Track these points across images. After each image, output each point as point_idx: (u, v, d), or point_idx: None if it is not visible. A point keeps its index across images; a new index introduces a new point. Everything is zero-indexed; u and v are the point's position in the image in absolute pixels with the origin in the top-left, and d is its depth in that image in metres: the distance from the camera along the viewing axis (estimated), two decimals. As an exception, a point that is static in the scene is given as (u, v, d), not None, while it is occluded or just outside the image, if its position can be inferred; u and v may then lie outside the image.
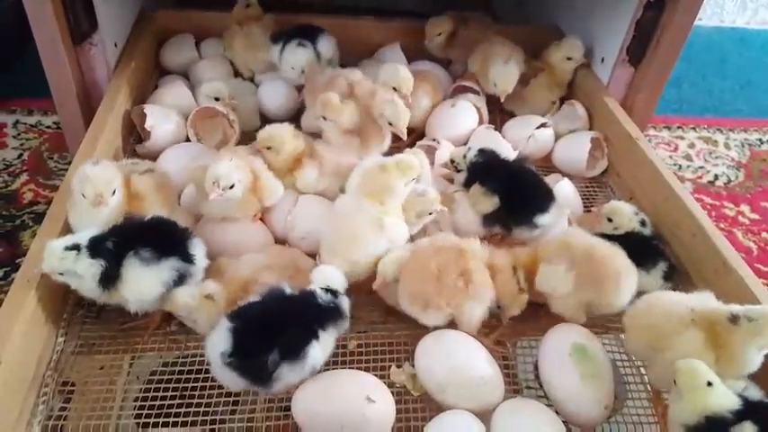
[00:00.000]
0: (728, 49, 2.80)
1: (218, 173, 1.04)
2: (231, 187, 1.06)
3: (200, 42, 1.62)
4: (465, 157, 1.22)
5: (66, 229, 1.00)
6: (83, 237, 0.92)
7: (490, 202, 1.15)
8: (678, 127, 2.24)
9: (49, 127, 1.82)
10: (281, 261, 1.05)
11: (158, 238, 0.95)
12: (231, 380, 0.86)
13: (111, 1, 1.36)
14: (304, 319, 0.89)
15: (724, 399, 0.81)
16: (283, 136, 1.19)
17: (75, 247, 0.89)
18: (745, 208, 1.89)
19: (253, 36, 1.52)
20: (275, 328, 0.87)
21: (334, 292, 0.94)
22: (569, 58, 1.55)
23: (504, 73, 1.46)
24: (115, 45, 1.39)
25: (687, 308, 0.92)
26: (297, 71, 1.46)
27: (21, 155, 1.71)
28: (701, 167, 2.05)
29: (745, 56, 2.76)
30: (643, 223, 1.19)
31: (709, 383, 0.82)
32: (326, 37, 1.52)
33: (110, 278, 0.91)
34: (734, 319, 0.88)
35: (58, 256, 0.88)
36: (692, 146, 2.15)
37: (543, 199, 1.16)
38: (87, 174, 0.97)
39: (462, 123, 1.46)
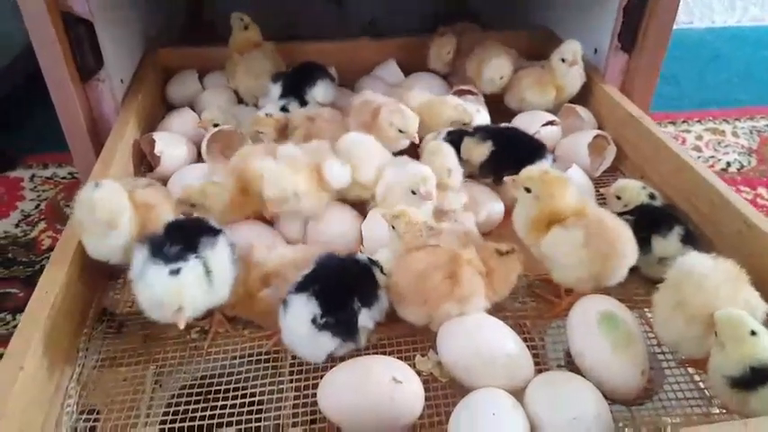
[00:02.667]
0: (722, 46, 2.84)
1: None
2: None
3: (204, 76, 1.67)
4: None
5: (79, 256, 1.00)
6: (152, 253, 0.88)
7: (484, 148, 1.17)
8: (683, 121, 2.24)
9: (64, 178, 1.87)
10: (305, 259, 1.03)
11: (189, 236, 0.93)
12: (322, 345, 0.90)
13: (116, 39, 1.41)
14: (365, 270, 0.96)
15: None
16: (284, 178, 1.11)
17: (176, 271, 0.86)
18: (762, 190, 1.87)
19: (254, 62, 1.55)
20: (347, 280, 0.94)
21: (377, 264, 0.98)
22: (563, 60, 1.52)
23: (497, 65, 1.50)
24: (121, 81, 1.43)
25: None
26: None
27: (38, 205, 1.75)
28: (712, 157, 2.04)
29: (740, 50, 2.79)
30: (652, 196, 1.18)
31: (753, 332, 0.78)
32: (324, 83, 1.49)
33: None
34: None
35: (176, 289, 0.85)
36: (699, 137, 2.15)
37: (538, 148, 1.19)
38: (94, 198, 0.93)
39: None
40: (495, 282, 0.98)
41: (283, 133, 1.35)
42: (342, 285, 0.93)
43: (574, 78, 1.53)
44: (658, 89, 1.55)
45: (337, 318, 0.89)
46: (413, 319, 0.98)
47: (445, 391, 0.92)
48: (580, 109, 1.51)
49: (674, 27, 1.45)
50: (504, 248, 0.99)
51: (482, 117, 1.47)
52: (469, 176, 1.27)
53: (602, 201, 1.27)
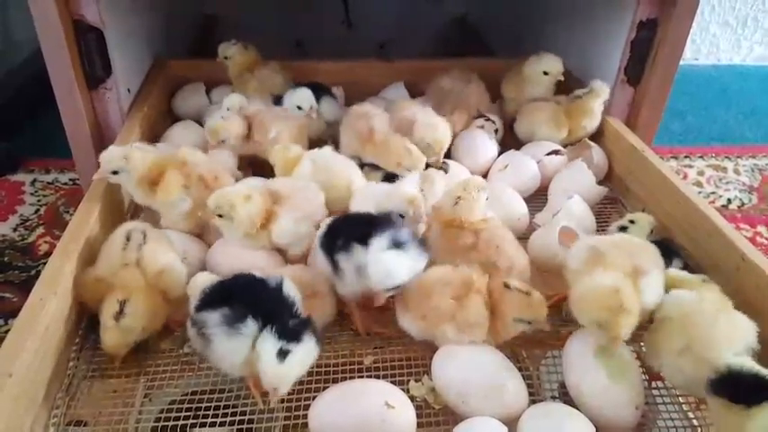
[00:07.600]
0: (729, 82, 2.85)
1: None
2: None
3: (211, 90, 1.68)
4: None
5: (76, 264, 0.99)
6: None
7: None
8: (685, 156, 2.24)
9: (65, 184, 1.86)
10: (302, 280, 1.02)
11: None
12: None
13: (125, 48, 1.42)
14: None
15: None
16: (232, 200, 1.06)
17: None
18: (762, 229, 1.87)
19: (266, 77, 1.58)
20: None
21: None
22: (546, 73, 1.55)
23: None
24: (128, 90, 1.44)
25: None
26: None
27: (37, 210, 1.74)
28: (713, 193, 2.04)
29: (746, 88, 2.80)
30: (622, 228, 1.19)
31: None
32: (328, 100, 1.52)
33: None
34: None
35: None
36: (701, 173, 2.15)
37: None
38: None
39: (482, 152, 1.48)
40: (499, 322, 0.96)
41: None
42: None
43: (593, 118, 1.51)
44: (666, 124, 1.55)
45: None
46: (413, 331, 0.98)
47: (438, 418, 0.91)
48: (595, 150, 1.47)
49: (681, 63, 1.46)
50: (513, 284, 0.95)
51: (491, 147, 1.49)
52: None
53: (602, 231, 1.28)
